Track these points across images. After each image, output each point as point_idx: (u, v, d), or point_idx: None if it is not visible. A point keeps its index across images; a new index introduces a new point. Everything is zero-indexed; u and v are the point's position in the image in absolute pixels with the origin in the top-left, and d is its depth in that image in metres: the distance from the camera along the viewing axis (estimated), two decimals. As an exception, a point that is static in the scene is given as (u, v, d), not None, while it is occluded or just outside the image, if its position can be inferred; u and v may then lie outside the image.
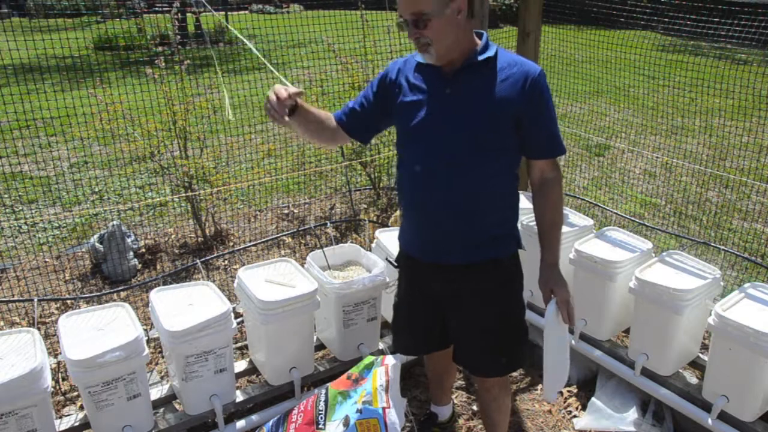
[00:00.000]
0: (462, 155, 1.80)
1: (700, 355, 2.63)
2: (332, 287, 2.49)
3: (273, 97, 1.77)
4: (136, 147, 3.79)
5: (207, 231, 4.03)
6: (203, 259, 3.20)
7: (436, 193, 1.85)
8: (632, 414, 2.57)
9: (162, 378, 2.71)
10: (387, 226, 3.50)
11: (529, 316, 2.79)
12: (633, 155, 5.64)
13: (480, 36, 1.86)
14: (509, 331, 2.01)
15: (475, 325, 1.99)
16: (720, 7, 5.54)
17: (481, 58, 1.79)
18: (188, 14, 11.49)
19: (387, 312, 2.83)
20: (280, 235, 3.92)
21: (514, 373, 2.86)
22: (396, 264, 2.16)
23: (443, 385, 2.49)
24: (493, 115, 1.77)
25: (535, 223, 1.95)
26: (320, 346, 2.77)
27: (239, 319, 2.63)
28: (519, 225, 2.09)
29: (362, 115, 2.00)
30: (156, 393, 2.40)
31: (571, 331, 1.99)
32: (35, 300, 2.86)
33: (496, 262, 1.92)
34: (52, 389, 2.31)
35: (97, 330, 2.20)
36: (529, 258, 2.12)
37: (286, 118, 1.80)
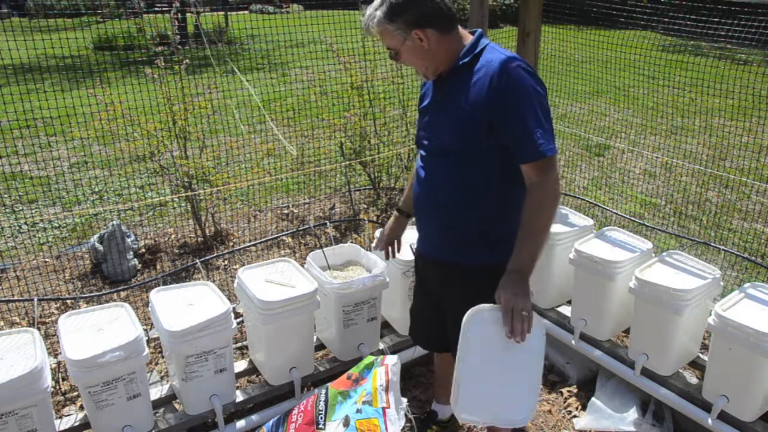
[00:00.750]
0: (448, 158, 1.87)
1: (700, 355, 2.63)
2: (332, 287, 2.49)
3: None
4: (135, 147, 3.79)
5: (207, 231, 4.03)
6: (203, 259, 3.20)
7: (432, 193, 1.93)
8: (632, 414, 2.57)
9: (162, 378, 2.71)
10: (387, 226, 3.49)
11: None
12: (633, 155, 5.64)
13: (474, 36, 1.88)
14: None
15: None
16: (720, 7, 5.54)
17: (460, 63, 1.82)
18: (188, 14, 11.48)
19: (387, 312, 2.83)
20: (280, 235, 3.92)
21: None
22: (414, 251, 2.23)
23: (449, 383, 2.47)
24: (466, 119, 1.79)
25: None
26: (320, 346, 2.77)
27: (239, 319, 2.63)
28: None
29: None
30: (156, 393, 2.40)
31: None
32: (35, 300, 2.86)
33: (495, 266, 1.90)
34: (52, 389, 2.31)
35: (97, 330, 2.20)
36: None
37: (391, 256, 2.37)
